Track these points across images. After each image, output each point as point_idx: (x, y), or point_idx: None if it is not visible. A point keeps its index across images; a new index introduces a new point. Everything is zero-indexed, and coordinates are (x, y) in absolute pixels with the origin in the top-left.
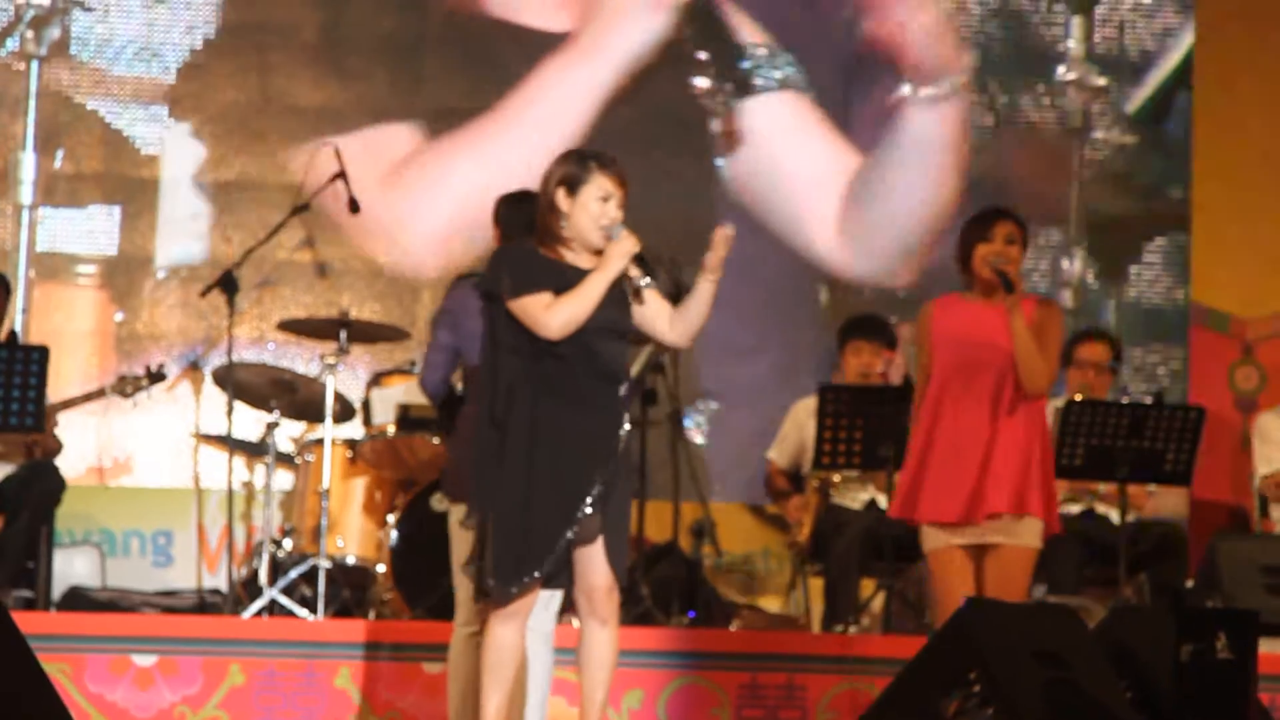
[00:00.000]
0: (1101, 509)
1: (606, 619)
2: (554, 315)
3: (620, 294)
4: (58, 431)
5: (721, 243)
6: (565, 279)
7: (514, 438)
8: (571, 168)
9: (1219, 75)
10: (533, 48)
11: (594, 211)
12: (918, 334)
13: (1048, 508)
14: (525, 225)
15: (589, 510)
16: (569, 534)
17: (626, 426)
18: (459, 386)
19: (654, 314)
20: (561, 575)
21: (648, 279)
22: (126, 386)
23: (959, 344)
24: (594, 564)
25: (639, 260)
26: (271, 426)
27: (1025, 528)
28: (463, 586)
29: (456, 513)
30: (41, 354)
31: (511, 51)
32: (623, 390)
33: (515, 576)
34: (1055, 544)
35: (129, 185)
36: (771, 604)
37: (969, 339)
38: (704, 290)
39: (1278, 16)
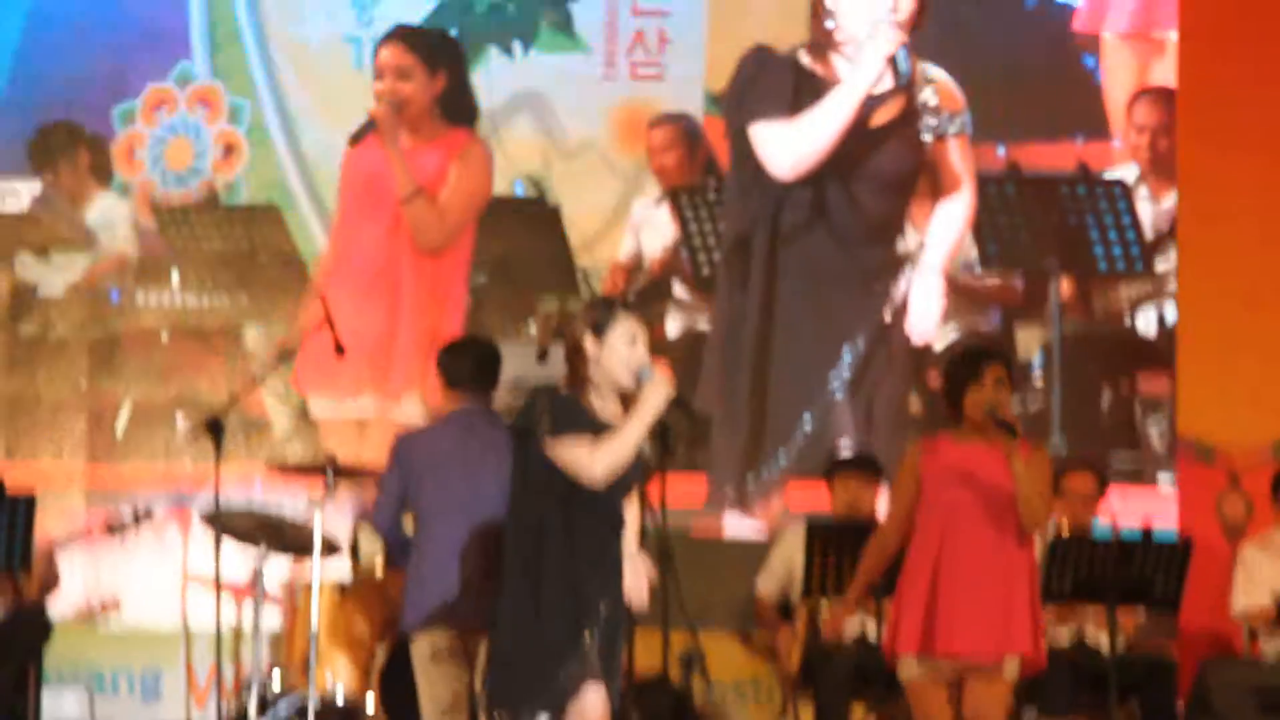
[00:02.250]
0: (1090, 631)
1: None
2: (598, 460)
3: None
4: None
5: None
6: (597, 428)
7: (534, 580)
8: (597, 313)
9: (1202, 213)
10: None
11: (623, 354)
12: (903, 473)
13: (1035, 643)
14: (466, 374)
15: (589, 648)
16: (570, 668)
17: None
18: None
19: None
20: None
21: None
22: (114, 526)
23: (961, 483)
24: (589, 697)
25: (676, 402)
26: (258, 572)
27: (1007, 664)
28: (429, 714)
29: (418, 645)
30: (28, 504)
31: None
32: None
33: (521, 709)
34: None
35: None
36: None
37: (972, 479)
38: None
39: (1259, 159)
